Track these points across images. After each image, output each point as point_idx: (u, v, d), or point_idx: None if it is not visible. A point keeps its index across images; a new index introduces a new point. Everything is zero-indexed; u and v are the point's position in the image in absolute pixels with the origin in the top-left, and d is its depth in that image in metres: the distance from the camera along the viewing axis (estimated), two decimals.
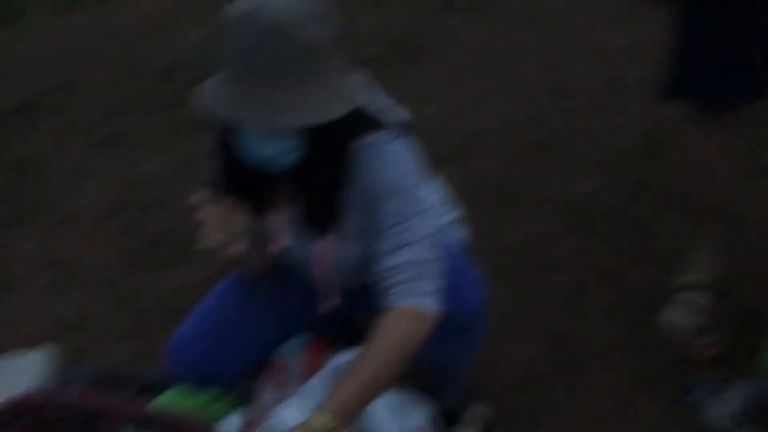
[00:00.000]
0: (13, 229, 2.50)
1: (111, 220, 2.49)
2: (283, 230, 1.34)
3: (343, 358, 1.34)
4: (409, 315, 1.20)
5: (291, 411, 1.25)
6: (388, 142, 1.24)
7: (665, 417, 1.65)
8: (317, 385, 1.32)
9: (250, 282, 1.48)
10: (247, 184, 1.30)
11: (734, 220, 2.05)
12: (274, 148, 1.19)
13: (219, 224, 1.23)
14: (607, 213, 2.24)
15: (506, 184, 2.47)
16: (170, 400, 1.40)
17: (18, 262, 2.35)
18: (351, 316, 1.49)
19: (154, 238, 2.37)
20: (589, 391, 1.73)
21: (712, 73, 1.57)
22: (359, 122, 1.23)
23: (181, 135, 2.92)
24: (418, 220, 1.23)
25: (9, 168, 2.84)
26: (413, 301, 1.20)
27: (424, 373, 1.55)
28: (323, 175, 1.25)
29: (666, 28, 1.67)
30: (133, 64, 3.52)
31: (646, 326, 1.86)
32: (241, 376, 1.48)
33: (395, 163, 1.24)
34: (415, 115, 1.36)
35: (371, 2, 3.72)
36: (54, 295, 2.20)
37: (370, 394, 1.20)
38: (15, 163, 2.87)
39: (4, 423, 1.20)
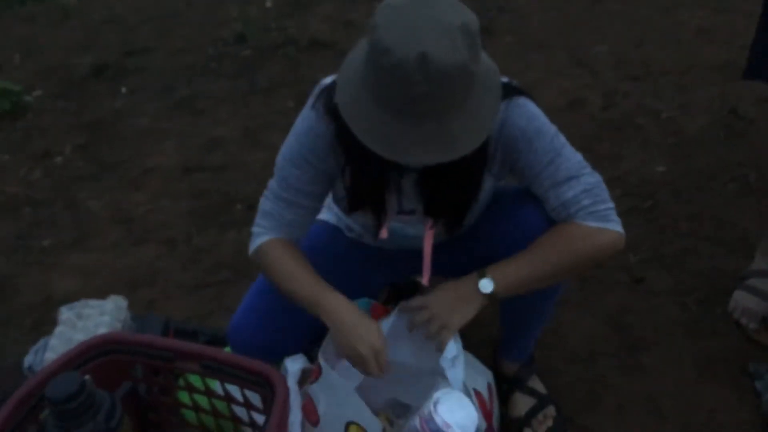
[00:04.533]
0: (90, 184, 2.60)
1: (182, 180, 2.56)
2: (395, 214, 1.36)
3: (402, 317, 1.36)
4: (591, 228, 1.24)
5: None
6: (510, 98, 1.24)
7: (727, 402, 1.62)
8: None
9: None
10: (371, 170, 1.26)
11: None
12: None
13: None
14: (678, 196, 2.19)
15: None
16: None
17: (93, 216, 2.44)
18: (414, 281, 1.51)
19: (223, 199, 2.43)
20: (649, 372, 1.71)
21: None
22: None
23: (250, 101, 2.98)
24: (568, 151, 1.26)
25: (87, 127, 2.95)
26: (598, 221, 1.24)
27: (498, 328, 1.58)
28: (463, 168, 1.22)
29: (750, 8, 1.63)
30: (205, 30, 3.59)
31: (711, 310, 1.83)
32: (304, 346, 1.47)
33: (525, 110, 1.24)
34: None
35: None
36: (126, 249, 2.28)
37: (535, 276, 1.27)
38: (93, 122, 2.98)
39: (83, 360, 1.27)
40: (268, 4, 3.78)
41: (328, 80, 1.31)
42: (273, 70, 3.20)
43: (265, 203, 1.37)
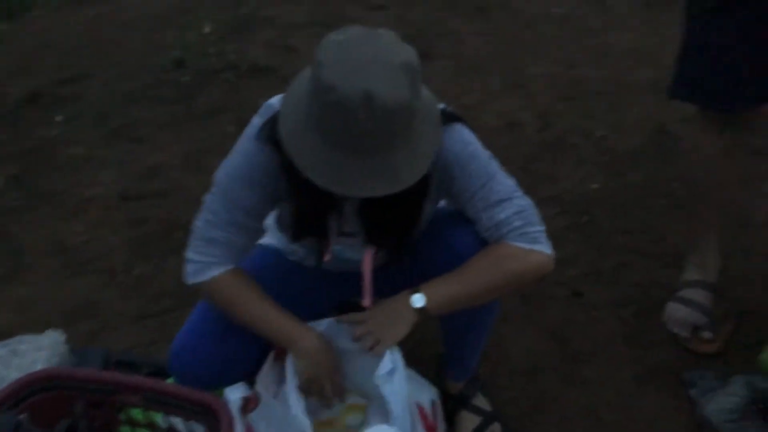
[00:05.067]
0: (25, 215, 2.53)
1: (120, 209, 2.52)
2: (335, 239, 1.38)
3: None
4: (521, 249, 1.29)
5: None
6: (446, 125, 1.27)
7: (665, 410, 1.67)
8: None
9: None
10: (315, 200, 1.27)
11: (735, 221, 2.08)
12: None
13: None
14: (612, 212, 2.27)
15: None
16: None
17: (29, 247, 2.37)
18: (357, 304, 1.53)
19: (163, 227, 2.40)
20: (590, 384, 1.75)
21: (720, 75, 1.59)
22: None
23: (189, 126, 2.96)
24: (501, 175, 1.31)
25: (22, 155, 2.87)
26: (528, 243, 1.29)
27: (441, 347, 1.60)
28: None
29: (675, 31, 1.71)
30: (143, 56, 3.55)
31: (648, 322, 1.89)
32: (248, 374, 1.44)
33: (459, 136, 1.29)
34: None
35: (377, 4, 3.76)
36: (63, 280, 2.22)
37: (465, 293, 1.31)
38: (28, 150, 2.90)
39: (20, 397, 1.23)
40: (207, 29, 3.77)
41: (274, 101, 1.32)
42: (213, 95, 3.18)
43: (209, 229, 1.35)
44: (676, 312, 1.83)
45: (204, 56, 3.47)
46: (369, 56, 1.09)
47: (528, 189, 1.35)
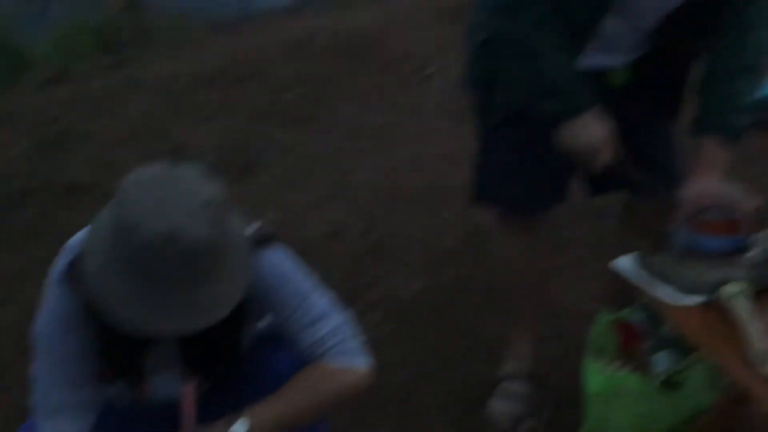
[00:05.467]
0: None
1: None
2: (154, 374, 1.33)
3: None
4: (339, 368, 1.29)
5: None
6: (259, 249, 1.29)
7: None
8: None
9: None
10: (126, 340, 1.22)
11: (548, 312, 2.23)
12: None
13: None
14: (435, 312, 2.36)
15: (341, 289, 2.53)
16: None
17: None
18: None
19: None
20: None
21: (513, 181, 1.74)
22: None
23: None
24: (316, 295, 1.32)
25: None
26: (345, 359, 1.30)
27: None
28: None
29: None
30: None
31: (476, 419, 1.95)
32: None
33: (273, 259, 1.30)
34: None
35: (204, 116, 3.80)
36: None
37: (288, 415, 1.28)
38: None
39: None
40: (24, 144, 3.60)
41: (74, 241, 1.28)
42: (27, 216, 3.01)
43: (49, 398, 1.27)
44: (497, 406, 1.91)
45: (17, 175, 3.30)
46: (173, 195, 1.10)
47: (353, 296, 1.40)
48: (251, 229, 1.35)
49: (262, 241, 1.31)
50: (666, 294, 1.28)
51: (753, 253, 1.26)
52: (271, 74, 4.80)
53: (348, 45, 5.45)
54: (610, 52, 1.54)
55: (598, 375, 1.50)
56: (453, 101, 3.56)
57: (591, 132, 1.42)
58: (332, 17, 6.87)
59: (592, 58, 1.52)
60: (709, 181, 1.37)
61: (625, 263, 1.39)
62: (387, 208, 2.98)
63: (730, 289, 1.21)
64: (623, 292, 1.55)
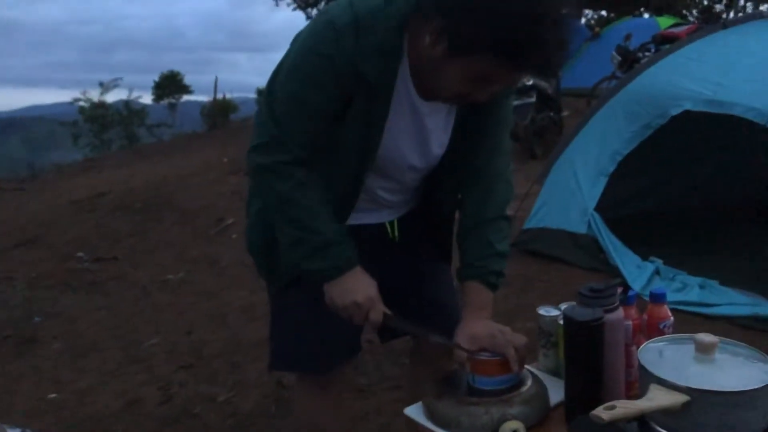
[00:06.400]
0: None
1: None
2: None
3: None
4: None
5: None
6: None
7: None
8: None
9: None
10: None
11: None
12: None
13: None
14: None
15: None
16: None
17: None
18: None
19: None
20: None
21: (307, 341, 1.72)
22: None
23: None
24: None
25: None
26: None
27: None
28: None
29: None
30: None
31: None
32: None
33: None
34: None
35: None
36: None
37: None
38: None
39: None
40: None
41: None
42: None
43: None
44: None
45: None
46: None
47: None
48: None
49: None
50: None
51: (524, 389, 1.34)
52: (57, 236, 4.57)
53: (141, 200, 5.37)
54: (380, 209, 1.63)
55: None
56: None
57: (355, 290, 1.46)
58: (125, 172, 6.76)
59: (364, 215, 1.60)
60: (478, 323, 1.46)
61: (413, 411, 1.41)
62: (187, 371, 2.84)
63: (508, 426, 1.26)
64: None
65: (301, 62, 1.34)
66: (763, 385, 0.98)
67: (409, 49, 1.33)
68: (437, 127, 1.45)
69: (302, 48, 1.34)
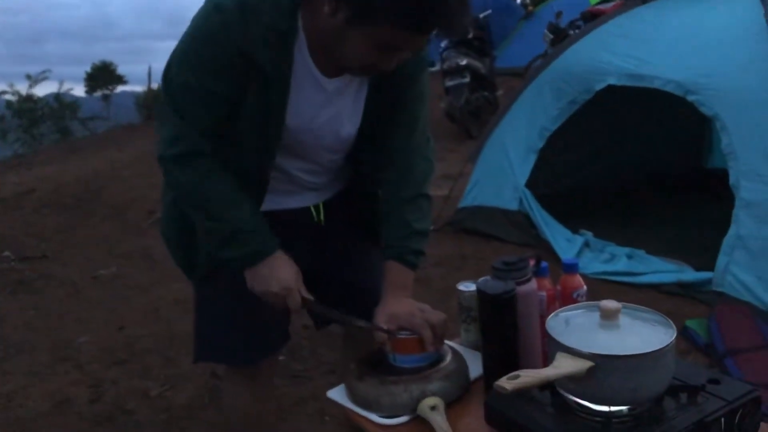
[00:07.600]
0: None
1: None
2: None
3: None
4: None
5: None
6: None
7: None
8: None
9: None
10: None
11: None
12: None
13: None
14: None
15: None
16: None
17: None
18: None
19: None
20: None
21: (232, 332, 1.68)
22: None
23: None
24: None
25: None
26: None
27: None
28: None
29: None
30: None
31: None
32: None
33: None
34: None
35: None
36: None
37: None
38: None
39: None
40: None
41: None
42: None
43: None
44: None
45: None
46: None
47: None
48: None
49: None
50: (375, 419, 1.30)
51: (443, 365, 1.35)
52: None
53: (71, 196, 5.21)
54: (302, 191, 1.61)
55: None
56: None
57: (271, 277, 1.44)
58: (56, 168, 6.55)
59: (285, 199, 1.57)
60: (397, 302, 1.45)
61: (335, 393, 1.41)
62: (119, 367, 2.77)
63: (427, 402, 1.27)
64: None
65: (191, 49, 1.30)
66: (662, 346, 1.00)
67: (307, 25, 1.29)
68: (346, 106, 1.43)
69: (191, 34, 1.30)
